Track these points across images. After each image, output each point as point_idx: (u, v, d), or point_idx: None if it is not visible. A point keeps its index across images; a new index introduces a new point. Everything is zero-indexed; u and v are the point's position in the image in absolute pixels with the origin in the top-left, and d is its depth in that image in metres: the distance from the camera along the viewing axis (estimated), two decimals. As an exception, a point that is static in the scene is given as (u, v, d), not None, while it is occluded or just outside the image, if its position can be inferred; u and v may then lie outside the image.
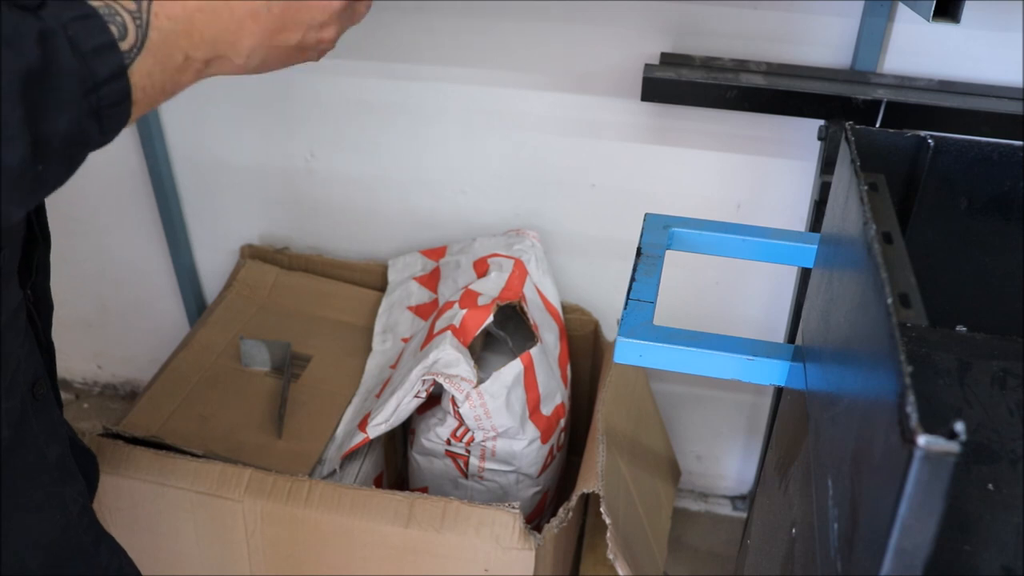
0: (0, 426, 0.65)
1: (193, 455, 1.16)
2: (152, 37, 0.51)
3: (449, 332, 1.20)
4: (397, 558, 1.10)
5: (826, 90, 1.18)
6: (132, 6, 0.50)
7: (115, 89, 0.50)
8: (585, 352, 1.49)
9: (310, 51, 0.62)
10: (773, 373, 0.74)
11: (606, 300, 1.50)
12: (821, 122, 1.21)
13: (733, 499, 1.71)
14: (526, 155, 1.40)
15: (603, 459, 1.14)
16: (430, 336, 1.25)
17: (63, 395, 1.53)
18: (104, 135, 0.51)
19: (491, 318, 1.21)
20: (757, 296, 1.47)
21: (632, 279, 0.80)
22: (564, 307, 1.43)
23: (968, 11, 0.90)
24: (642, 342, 0.74)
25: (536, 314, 1.29)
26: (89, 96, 0.48)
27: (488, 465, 1.23)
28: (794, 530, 0.69)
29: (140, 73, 0.51)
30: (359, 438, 1.20)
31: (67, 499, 0.75)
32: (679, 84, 1.20)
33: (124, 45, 0.50)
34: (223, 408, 1.29)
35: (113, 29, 0.49)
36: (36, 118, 0.46)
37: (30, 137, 0.46)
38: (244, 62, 0.58)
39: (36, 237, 0.72)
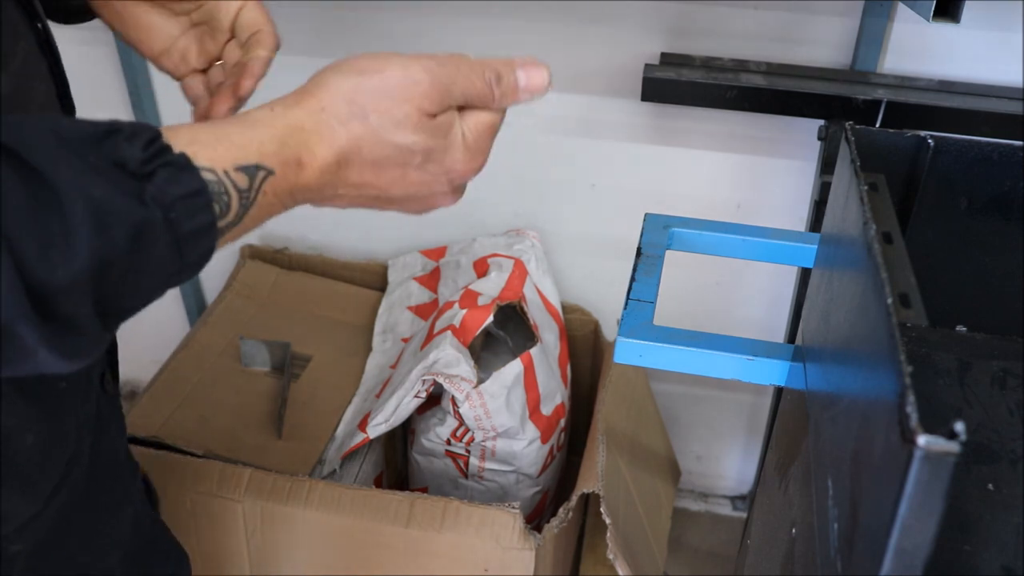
0: (82, 433, 0.63)
1: (193, 455, 1.16)
2: (252, 212, 0.48)
3: (449, 332, 1.20)
4: (397, 558, 1.10)
5: (826, 90, 1.18)
6: (243, 182, 0.46)
7: (197, 267, 0.46)
8: (585, 352, 1.49)
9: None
10: (773, 373, 0.74)
11: (606, 300, 1.50)
12: (821, 122, 1.21)
13: (733, 499, 1.71)
14: (526, 155, 1.40)
15: (603, 459, 1.14)
16: (430, 336, 1.25)
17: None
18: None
19: (491, 318, 1.21)
20: (757, 296, 1.47)
21: (632, 279, 0.80)
22: (564, 307, 1.43)
23: (968, 11, 0.90)
24: (642, 342, 0.74)
25: (536, 314, 1.29)
26: (171, 278, 0.45)
27: (488, 465, 1.23)
28: (794, 530, 0.69)
29: (224, 239, 0.48)
30: (359, 438, 1.20)
31: (135, 493, 0.74)
32: (679, 84, 1.20)
33: (222, 222, 0.46)
34: (223, 408, 1.29)
35: (216, 207, 0.45)
36: (106, 302, 0.42)
37: (100, 326, 0.43)
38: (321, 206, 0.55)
39: None
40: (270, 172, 0.48)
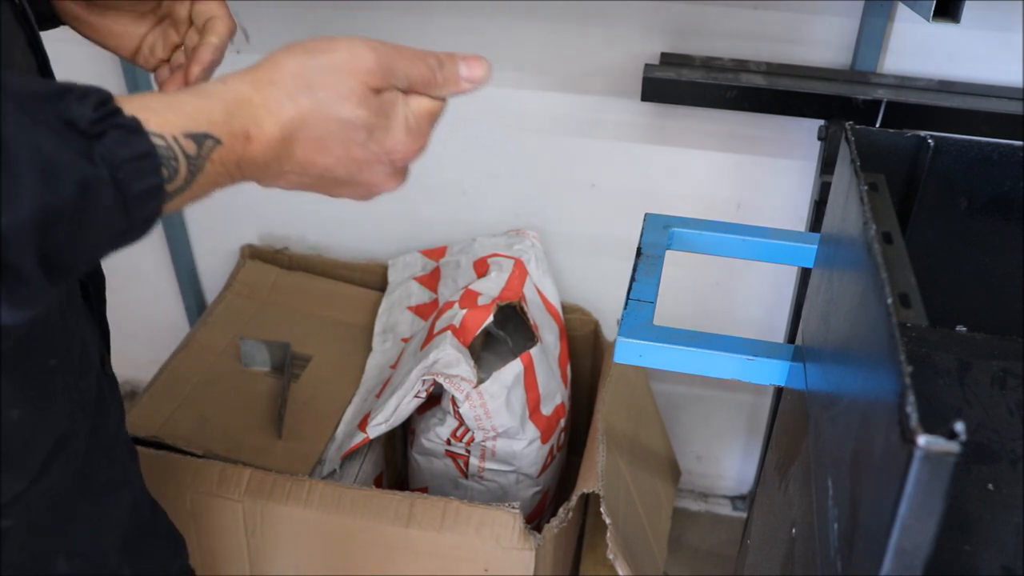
0: (75, 413, 0.63)
1: (193, 455, 1.16)
2: (199, 180, 0.49)
3: (449, 332, 1.20)
4: (397, 558, 1.10)
5: (826, 90, 1.18)
6: (192, 149, 0.48)
7: (144, 228, 0.47)
8: (585, 352, 1.49)
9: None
10: (773, 373, 0.74)
11: (606, 300, 1.50)
12: (821, 122, 1.21)
13: (733, 499, 1.71)
14: (526, 155, 1.40)
15: (603, 459, 1.14)
16: (430, 336, 1.25)
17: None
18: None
19: (491, 318, 1.21)
20: (757, 296, 1.47)
21: (632, 279, 0.80)
22: (564, 307, 1.43)
23: (968, 11, 0.90)
24: (642, 342, 0.74)
25: (536, 314, 1.29)
26: (117, 239, 0.46)
27: (488, 465, 1.23)
28: (794, 530, 0.69)
29: (171, 205, 0.49)
30: (359, 438, 1.20)
31: (135, 477, 0.74)
32: (679, 84, 1.20)
33: (170, 186, 0.47)
34: (223, 408, 1.29)
35: (164, 171, 0.46)
36: (52, 256, 0.43)
37: (44, 278, 0.43)
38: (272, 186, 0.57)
39: None
40: (218, 141, 0.49)
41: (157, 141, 0.46)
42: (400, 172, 0.60)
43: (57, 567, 0.65)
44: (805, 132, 1.29)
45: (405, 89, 0.57)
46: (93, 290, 0.71)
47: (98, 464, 0.67)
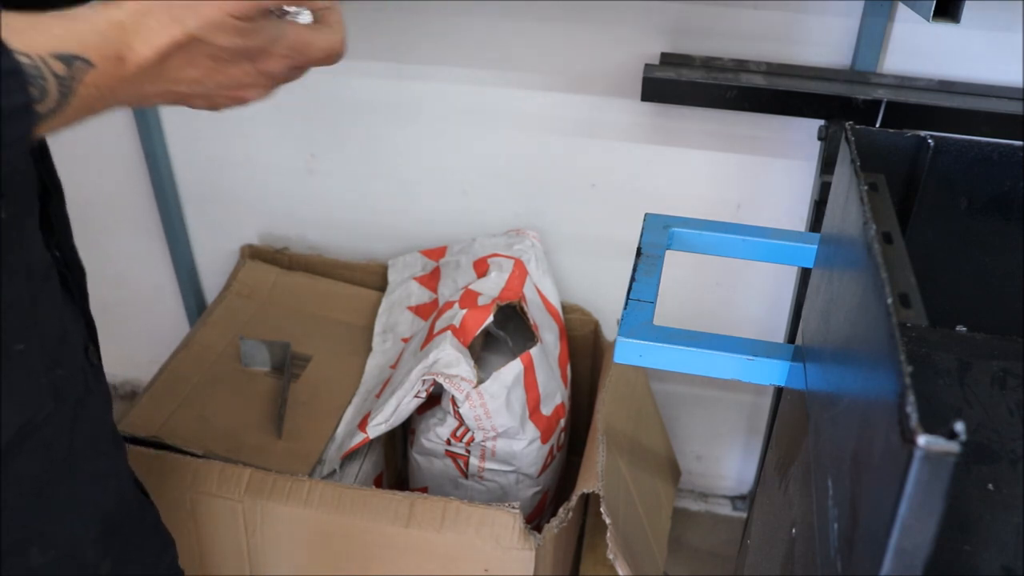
0: (49, 396, 0.63)
1: (193, 455, 1.16)
2: (72, 103, 0.49)
3: (449, 332, 1.20)
4: (397, 558, 1.10)
5: (826, 90, 1.18)
6: (61, 69, 0.47)
7: (16, 147, 0.47)
8: (585, 352, 1.49)
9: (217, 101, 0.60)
10: (773, 373, 0.74)
11: (606, 300, 1.50)
12: (821, 122, 1.21)
13: (733, 499, 1.71)
14: (526, 155, 1.40)
15: (603, 459, 1.14)
16: (430, 336, 1.25)
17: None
18: None
19: (491, 318, 1.21)
20: (757, 296, 1.47)
21: (632, 279, 0.80)
22: (564, 307, 1.43)
23: (968, 11, 0.90)
24: (642, 342, 0.74)
25: (536, 314, 1.30)
26: None
27: (488, 465, 1.23)
28: (794, 530, 0.69)
29: (45, 128, 0.49)
30: (359, 438, 1.20)
31: (122, 468, 0.74)
32: (679, 84, 1.20)
33: (40, 107, 0.47)
34: (223, 408, 1.29)
35: (33, 90, 0.46)
36: None
37: None
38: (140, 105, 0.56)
39: (47, 187, 0.69)
40: (89, 64, 0.49)
41: (23, 59, 0.46)
42: (269, 85, 0.60)
43: (31, 559, 0.65)
44: (805, 132, 1.29)
45: (279, 12, 0.58)
46: (72, 281, 0.71)
47: (82, 454, 0.67)
